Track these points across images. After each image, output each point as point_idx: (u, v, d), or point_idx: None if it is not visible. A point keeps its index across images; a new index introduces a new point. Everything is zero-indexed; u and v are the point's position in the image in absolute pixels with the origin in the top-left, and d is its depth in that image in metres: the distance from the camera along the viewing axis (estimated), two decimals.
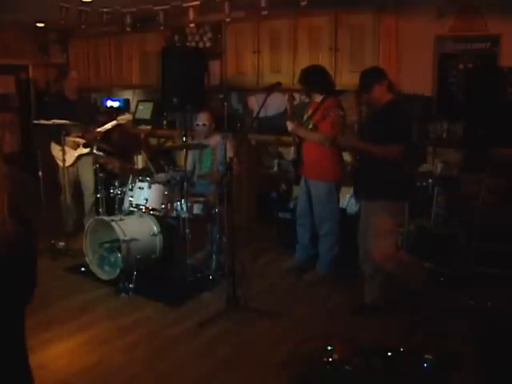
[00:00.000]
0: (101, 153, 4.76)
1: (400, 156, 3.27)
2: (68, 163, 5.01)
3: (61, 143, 4.81)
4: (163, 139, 6.62)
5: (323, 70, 4.21)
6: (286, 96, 4.71)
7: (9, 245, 1.31)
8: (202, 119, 4.54)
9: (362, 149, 3.43)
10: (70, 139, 5.00)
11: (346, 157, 4.34)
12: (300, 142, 4.23)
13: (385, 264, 3.40)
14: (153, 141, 6.79)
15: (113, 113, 5.32)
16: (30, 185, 1.54)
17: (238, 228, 4.14)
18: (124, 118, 5.06)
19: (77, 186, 5.32)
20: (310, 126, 4.14)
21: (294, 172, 4.41)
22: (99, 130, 4.98)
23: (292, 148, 4.35)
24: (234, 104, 6.24)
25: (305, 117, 4.27)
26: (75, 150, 5.09)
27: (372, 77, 3.35)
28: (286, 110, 5.63)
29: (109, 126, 5.01)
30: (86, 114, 5.13)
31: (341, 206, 4.57)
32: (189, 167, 4.58)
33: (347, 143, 3.63)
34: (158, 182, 4.25)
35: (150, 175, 4.38)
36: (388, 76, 3.43)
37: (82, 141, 5.03)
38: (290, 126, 4.19)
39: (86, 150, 5.08)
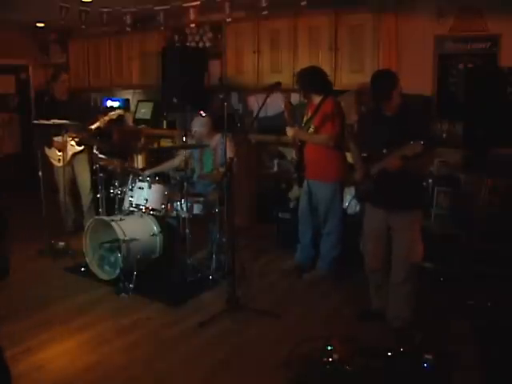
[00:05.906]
0: (102, 155, 4.74)
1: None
2: (62, 162, 5.01)
3: (49, 144, 4.83)
4: (162, 139, 6.62)
5: (320, 70, 4.17)
6: (283, 101, 4.57)
7: None
8: (194, 125, 4.50)
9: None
10: (56, 140, 5.00)
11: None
12: (301, 144, 4.22)
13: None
14: (152, 141, 6.78)
15: None
16: None
17: (238, 228, 4.14)
18: (115, 113, 4.99)
19: (74, 185, 5.31)
20: (311, 128, 4.11)
21: (297, 174, 4.38)
22: (90, 127, 4.95)
23: (294, 151, 4.32)
24: (234, 104, 6.24)
25: (304, 119, 4.25)
26: (63, 151, 5.01)
27: (388, 85, 3.14)
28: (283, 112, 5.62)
29: (100, 122, 4.96)
30: (77, 113, 5.00)
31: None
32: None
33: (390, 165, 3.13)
34: (159, 180, 4.26)
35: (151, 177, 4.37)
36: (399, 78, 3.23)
37: (69, 139, 5.01)
38: (290, 132, 4.15)
39: (80, 148, 5.07)
